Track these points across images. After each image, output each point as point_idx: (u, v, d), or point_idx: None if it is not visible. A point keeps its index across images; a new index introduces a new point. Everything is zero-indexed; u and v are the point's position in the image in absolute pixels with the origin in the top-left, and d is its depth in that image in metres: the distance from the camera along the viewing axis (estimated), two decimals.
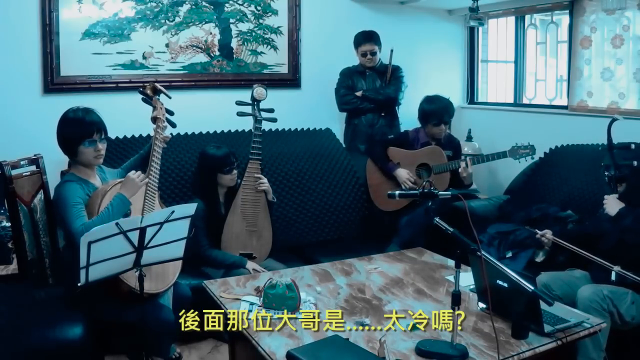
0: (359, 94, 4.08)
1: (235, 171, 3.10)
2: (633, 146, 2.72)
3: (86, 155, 2.46)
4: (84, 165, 2.49)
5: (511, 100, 4.61)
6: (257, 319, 2.11)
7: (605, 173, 2.66)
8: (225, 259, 3.03)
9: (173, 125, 2.76)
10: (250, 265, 3.01)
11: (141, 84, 3.64)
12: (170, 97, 2.77)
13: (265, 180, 3.15)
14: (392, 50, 4.09)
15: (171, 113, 2.76)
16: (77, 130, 2.43)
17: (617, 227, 2.54)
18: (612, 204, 2.58)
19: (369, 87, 4.09)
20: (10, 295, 2.50)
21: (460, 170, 3.44)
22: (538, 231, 2.85)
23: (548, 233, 2.81)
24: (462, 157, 3.58)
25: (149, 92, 2.73)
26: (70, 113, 2.48)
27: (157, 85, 2.74)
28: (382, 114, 4.11)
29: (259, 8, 4.09)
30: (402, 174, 3.58)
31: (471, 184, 3.59)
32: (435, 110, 3.55)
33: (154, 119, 2.68)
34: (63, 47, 3.51)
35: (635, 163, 2.55)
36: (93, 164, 2.51)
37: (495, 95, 4.88)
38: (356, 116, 4.14)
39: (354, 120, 4.17)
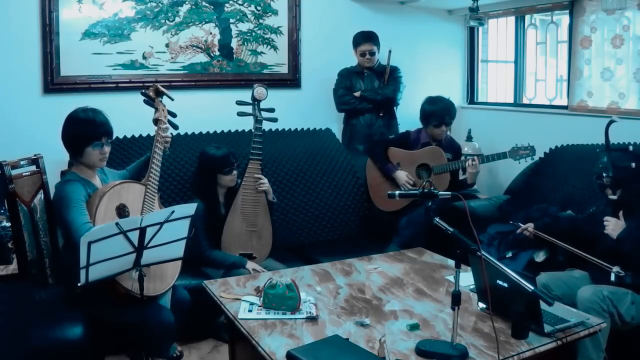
0: (357, 94, 4.08)
1: (235, 172, 3.10)
2: (631, 148, 2.71)
3: (91, 157, 2.47)
4: (87, 166, 2.50)
5: (511, 100, 4.61)
6: (257, 319, 2.12)
7: (603, 176, 2.64)
8: (225, 259, 3.03)
9: (175, 127, 2.77)
10: (250, 265, 3.01)
11: (141, 84, 3.69)
12: (172, 99, 2.77)
13: (265, 180, 3.15)
14: (390, 51, 4.10)
15: (173, 115, 2.76)
16: (85, 132, 2.44)
17: (615, 246, 2.54)
18: (615, 227, 2.56)
19: (367, 88, 4.10)
20: (10, 295, 2.50)
21: (467, 164, 3.42)
22: (521, 224, 2.88)
23: (530, 226, 2.84)
24: (463, 158, 3.58)
25: (151, 93, 2.73)
26: (80, 113, 2.48)
27: (160, 87, 2.75)
28: (380, 114, 4.12)
29: (259, 8, 4.09)
30: (401, 176, 3.58)
31: (474, 184, 3.59)
32: (437, 112, 3.55)
33: (156, 121, 2.69)
34: (63, 47, 3.51)
35: (633, 165, 2.55)
36: (97, 166, 2.53)
37: (495, 95, 4.88)
38: (354, 116, 4.15)
39: (352, 121, 4.17)
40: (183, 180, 3.41)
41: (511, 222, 3.07)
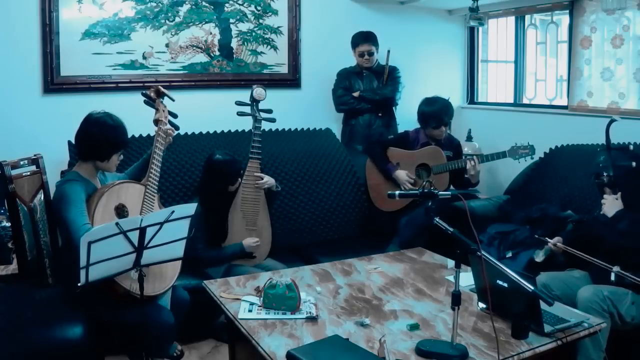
0: (356, 94, 4.08)
1: (240, 179, 3.11)
2: (631, 147, 2.71)
3: (113, 163, 2.52)
4: (100, 169, 2.53)
5: (511, 100, 4.61)
6: (257, 319, 2.12)
7: (603, 175, 2.64)
8: (222, 254, 3.03)
9: (176, 127, 2.77)
10: (247, 241, 3.03)
11: (141, 84, 3.68)
12: (173, 100, 2.78)
13: (265, 178, 3.14)
14: (389, 51, 4.10)
15: (174, 116, 2.76)
16: (121, 139, 2.50)
17: (613, 230, 2.54)
18: (610, 205, 2.57)
19: (366, 88, 4.10)
20: (10, 295, 2.50)
21: (468, 167, 3.42)
22: (549, 240, 2.80)
23: (559, 241, 2.76)
24: (463, 158, 3.58)
25: (152, 94, 2.73)
26: (107, 119, 2.48)
27: (161, 88, 2.75)
28: (380, 115, 4.12)
29: (259, 8, 4.09)
30: (402, 175, 3.58)
31: (477, 183, 3.57)
32: (434, 113, 3.54)
33: (156, 122, 2.69)
34: (63, 47, 3.51)
35: (633, 164, 2.55)
36: (112, 170, 2.57)
37: (495, 95, 4.88)
38: (353, 117, 4.15)
39: (351, 121, 4.17)
40: (183, 181, 3.41)
41: (537, 235, 2.97)
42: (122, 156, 2.57)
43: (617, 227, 2.50)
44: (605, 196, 2.62)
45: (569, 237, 2.81)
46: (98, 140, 2.44)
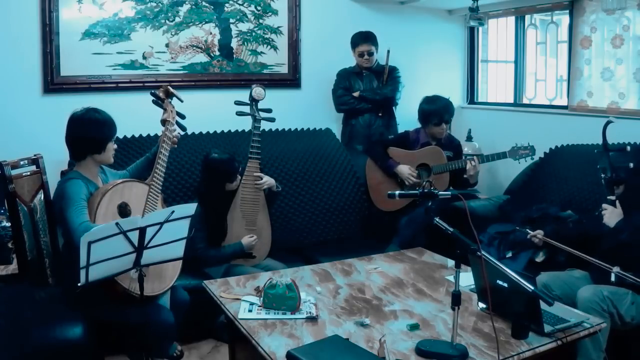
0: (356, 94, 4.08)
1: (239, 177, 3.10)
2: (629, 148, 2.72)
3: (109, 152, 2.53)
4: (101, 162, 2.53)
5: (511, 100, 4.61)
6: (257, 319, 2.12)
7: (602, 175, 2.65)
8: (222, 253, 3.02)
9: (183, 128, 2.77)
10: (245, 240, 3.03)
11: (141, 84, 3.69)
12: (182, 101, 2.77)
13: (265, 179, 3.14)
14: (388, 51, 4.10)
15: (182, 117, 2.76)
16: (110, 129, 2.51)
17: (614, 240, 2.54)
18: (611, 215, 2.57)
19: (366, 88, 4.10)
20: (10, 295, 2.50)
21: (468, 167, 3.42)
22: (530, 231, 2.86)
23: (540, 234, 2.82)
24: (463, 158, 3.58)
25: (161, 94, 2.73)
26: (94, 114, 2.50)
27: (170, 88, 2.75)
28: (380, 115, 4.12)
29: (259, 8, 4.08)
30: (404, 169, 3.57)
31: (476, 184, 3.58)
32: (436, 110, 3.55)
33: (164, 122, 2.68)
34: (63, 47, 3.51)
35: (631, 165, 2.55)
36: (110, 161, 2.57)
37: (495, 95, 4.88)
38: (353, 117, 4.15)
39: (351, 121, 4.17)
40: (183, 181, 3.41)
41: (518, 228, 3.03)
42: (116, 145, 2.57)
43: (619, 238, 2.50)
44: (604, 206, 2.61)
45: (568, 234, 2.83)
46: (90, 134, 2.45)
